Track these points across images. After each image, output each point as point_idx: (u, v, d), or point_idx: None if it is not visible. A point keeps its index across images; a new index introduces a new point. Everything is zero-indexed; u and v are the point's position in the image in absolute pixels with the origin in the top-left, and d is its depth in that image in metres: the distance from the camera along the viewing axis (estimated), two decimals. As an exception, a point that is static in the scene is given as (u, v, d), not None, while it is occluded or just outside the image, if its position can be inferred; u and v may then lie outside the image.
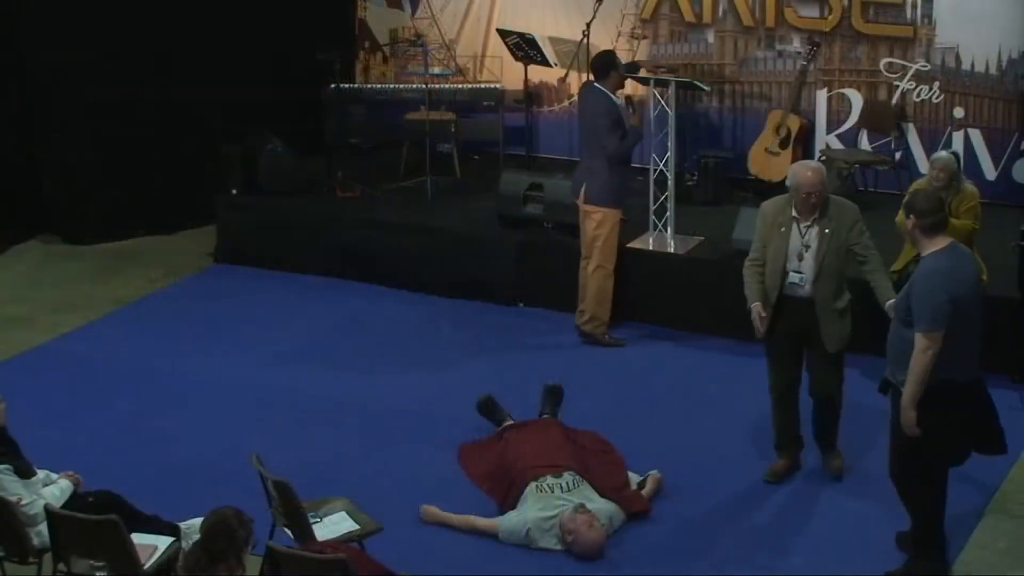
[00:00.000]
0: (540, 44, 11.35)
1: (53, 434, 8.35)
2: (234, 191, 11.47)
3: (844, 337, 7.70)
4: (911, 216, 6.66)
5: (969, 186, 9.07)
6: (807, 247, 7.55)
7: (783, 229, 7.60)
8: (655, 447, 8.36)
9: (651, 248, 10.20)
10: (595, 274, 9.72)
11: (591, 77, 9.76)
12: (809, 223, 7.55)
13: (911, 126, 11.05)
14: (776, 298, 7.67)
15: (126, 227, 11.99)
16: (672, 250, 10.14)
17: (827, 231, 7.53)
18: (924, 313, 6.51)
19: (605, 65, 9.65)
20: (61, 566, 6.53)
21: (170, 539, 6.76)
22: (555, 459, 7.77)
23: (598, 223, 9.65)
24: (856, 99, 11.19)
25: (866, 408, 8.80)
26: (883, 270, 7.62)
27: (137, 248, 11.87)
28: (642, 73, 10.89)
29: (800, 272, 7.59)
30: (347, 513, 7.04)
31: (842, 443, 8.12)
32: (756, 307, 7.68)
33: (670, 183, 10.15)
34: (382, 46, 12.69)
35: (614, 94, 9.60)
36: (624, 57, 11.73)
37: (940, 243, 6.64)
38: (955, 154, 9.31)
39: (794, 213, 7.58)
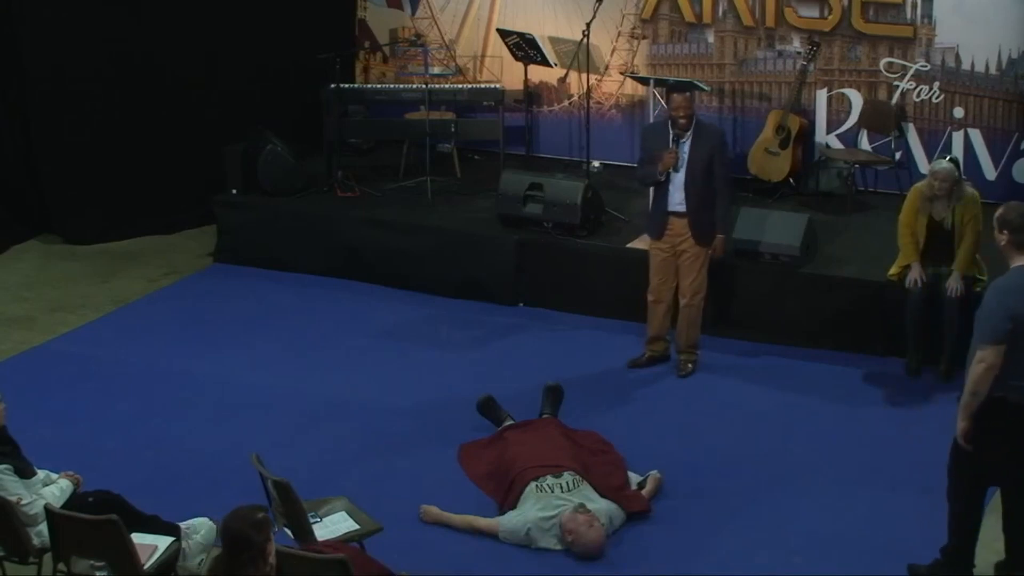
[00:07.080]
0: (540, 44, 11.34)
1: (53, 434, 8.36)
2: (234, 191, 11.46)
3: None
4: (1004, 231, 6.53)
5: (970, 189, 9.07)
6: None
7: None
8: (655, 447, 8.37)
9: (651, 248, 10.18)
10: None
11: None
12: None
13: (911, 126, 11.04)
14: None
15: (126, 227, 11.98)
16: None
17: None
18: (983, 326, 6.47)
19: None
20: (61, 566, 6.53)
21: (170, 539, 6.76)
22: (555, 459, 7.77)
23: None
24: (856, 99, 11.18)
25: (865, 409, 8.83)
26: None
27: (137, 248, 11.86)
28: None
29: None
30: (347, 513, 7.05)
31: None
32: None
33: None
34: (382, 46, 12.68)
35: (668, 123, 9.11)
36: (624, 57, 11.77)
37: (1022, 260, 6.54)
38: (954, 160, 9.30)
39: None
